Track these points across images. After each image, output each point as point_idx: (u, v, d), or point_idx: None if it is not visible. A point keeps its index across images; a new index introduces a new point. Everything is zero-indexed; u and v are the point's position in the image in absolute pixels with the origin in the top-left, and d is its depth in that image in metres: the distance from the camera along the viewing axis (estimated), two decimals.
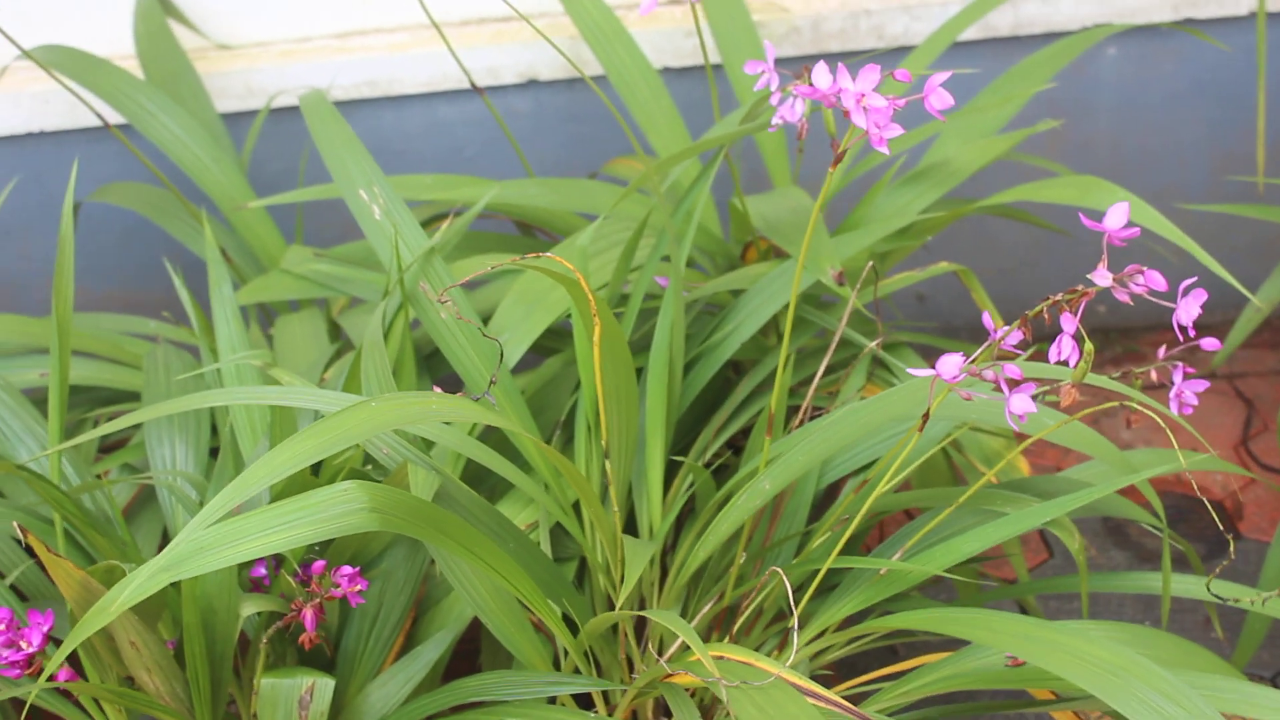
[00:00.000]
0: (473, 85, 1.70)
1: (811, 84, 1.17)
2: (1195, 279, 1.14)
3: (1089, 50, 2.12)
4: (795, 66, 2.06)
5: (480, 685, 1.34)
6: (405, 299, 1.44)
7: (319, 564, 1.27)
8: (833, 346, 1.45)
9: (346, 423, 1.06)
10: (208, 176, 1.80)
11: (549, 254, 1.21)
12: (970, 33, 2.07)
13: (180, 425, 1.59)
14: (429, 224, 1.81)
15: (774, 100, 1.42)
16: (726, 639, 1.44)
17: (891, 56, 2.07)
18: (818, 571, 1.34)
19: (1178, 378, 1.33)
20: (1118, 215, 1.14)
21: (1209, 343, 1.36)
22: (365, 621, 1.41)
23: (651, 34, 2.01)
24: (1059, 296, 1.14)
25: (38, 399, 1.80)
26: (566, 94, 2.08)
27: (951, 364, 1.17)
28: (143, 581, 1.09)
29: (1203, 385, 1.34)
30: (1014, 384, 1.16)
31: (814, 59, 2.05)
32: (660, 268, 1.58)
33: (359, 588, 1.25)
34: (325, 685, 1.32)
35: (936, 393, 1.21)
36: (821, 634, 1.41)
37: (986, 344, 1.19)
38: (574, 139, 2.09)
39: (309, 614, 1.23)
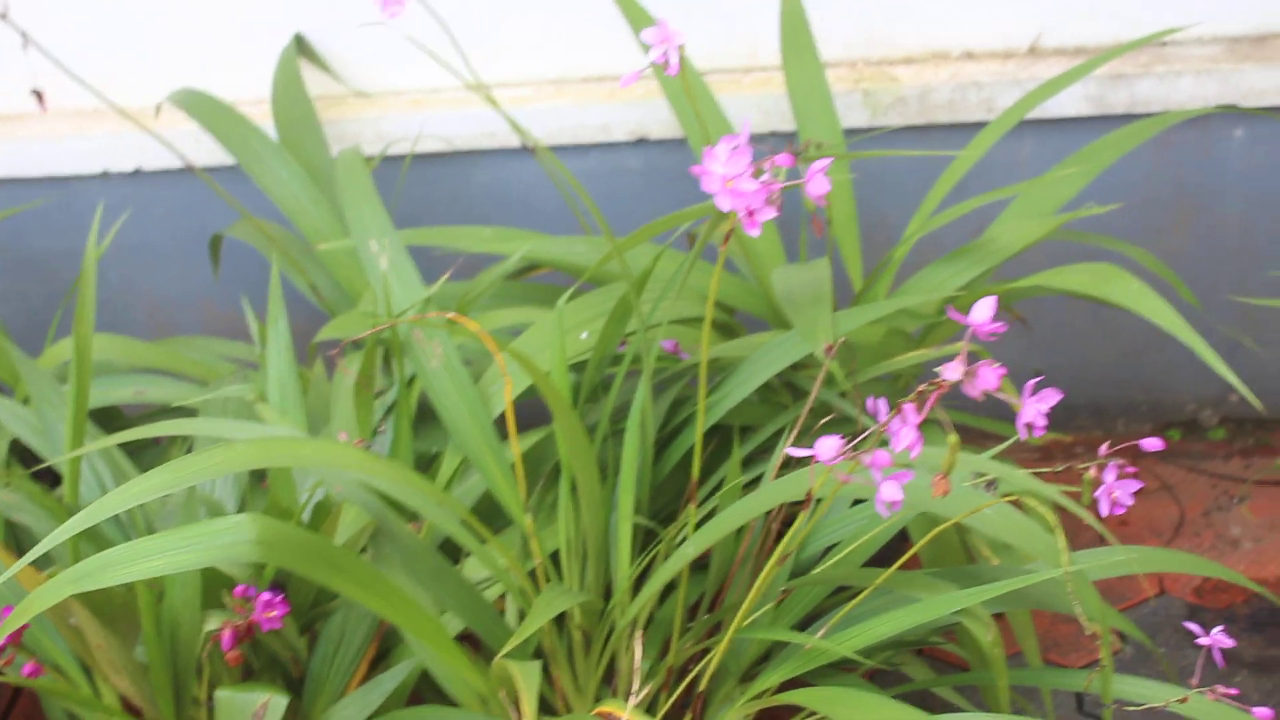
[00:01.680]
0: (524, 145, 1.78)
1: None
2: (1041, 377, 1.12)
3: (1216, 133, 2.06)
4: (901, 138, 2.07)
5: (413, 716, 1.41)
6: (398, 347, 1.52)
7: (240, 588, 1.36)
8: (803, 415, 1.46)
9: (205, 461, 1.15)
10: (304, 218, 1.92)
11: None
12: (1084, 108, 2.03)
13: None
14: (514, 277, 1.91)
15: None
16: (673, 696, 1.48)
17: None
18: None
19: (1109, 476, 1.31)
20: (982, 311, 1.13)
21: (1150, 443, 1.33)
22: (330, 647, 1.49)
23: (743, 99, 2.06)
24: (924, 387, 1.14)
25: (135, 415, 1.97)
26: (677, 153, 2.13)
27: (829, 446, 1.18)
28: (50, 591, 1.20)
29: (1137, 485, 1.31)
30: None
31: (922, 130, 2.06)
32: (671, 330, 1.63)
33: (273, 613, 1.34)
34: (279, 703, 1.41)
35: (818, 474, 1.22)
36: (761, 695, 1.42)
37: (868, 431, 1.19)
38: (682, 197, 2.14)
39: (226, 634, 1.32)
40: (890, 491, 1.17)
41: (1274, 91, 2.00)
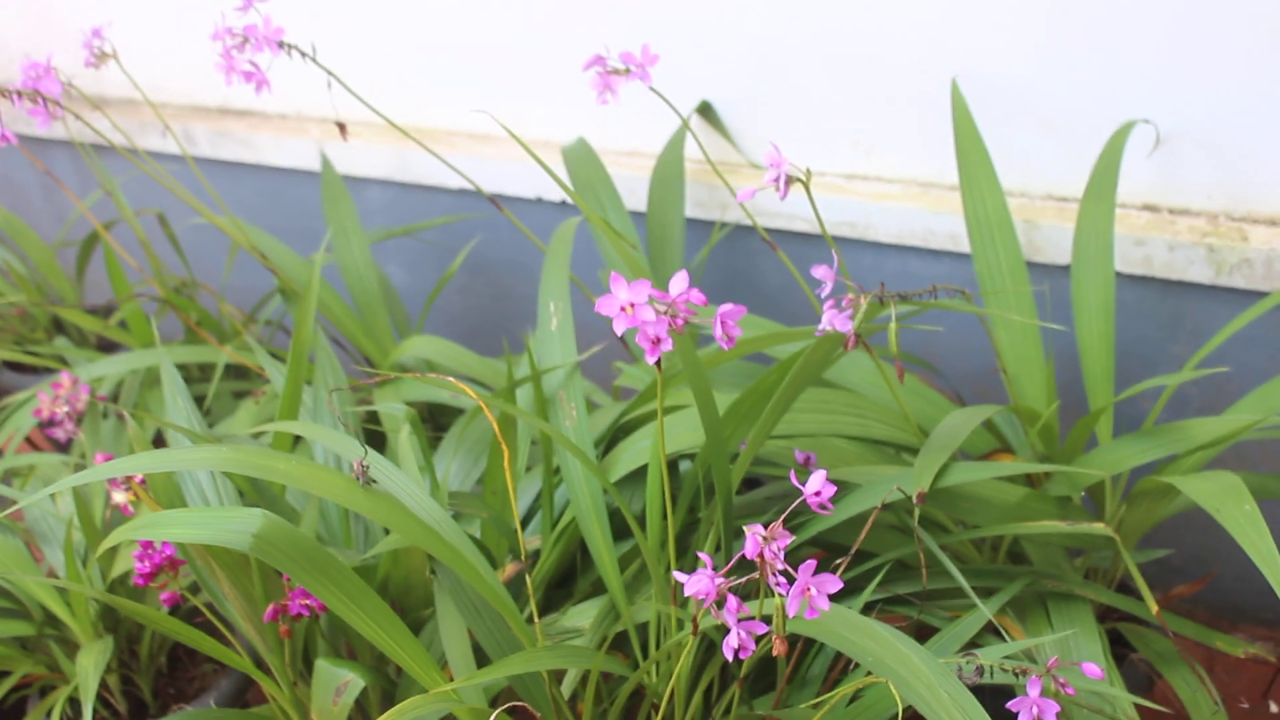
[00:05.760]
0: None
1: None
2: None
3: None
4: (1235, 300, 1.94)
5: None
6: (540, 401, 1.66)
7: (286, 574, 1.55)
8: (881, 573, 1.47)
9: (181, 456, 1.35)
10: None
11: None
12: None
13: None
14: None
15: (826, 307, 1.47)
16: None
17: None
18: None
19: (1033, 690, 1.26)
20: (815, 482, 1.14)
21: (1089, 669, 1.27)
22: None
23: (1063, 229, 2.00)
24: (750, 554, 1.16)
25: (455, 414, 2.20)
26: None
27: (697, 582, 1.21)
28: (121, 533, 1.45)
29: (1057, 707, 1.24)
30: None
31: (1259, 295, 1.93)
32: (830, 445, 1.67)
33: (306, 600, 1.52)
34: (356, 684, 1.60)
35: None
36: None
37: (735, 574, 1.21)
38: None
39: (269, 609, 1.53)
40: (734, 638, 1.19)
41: None
